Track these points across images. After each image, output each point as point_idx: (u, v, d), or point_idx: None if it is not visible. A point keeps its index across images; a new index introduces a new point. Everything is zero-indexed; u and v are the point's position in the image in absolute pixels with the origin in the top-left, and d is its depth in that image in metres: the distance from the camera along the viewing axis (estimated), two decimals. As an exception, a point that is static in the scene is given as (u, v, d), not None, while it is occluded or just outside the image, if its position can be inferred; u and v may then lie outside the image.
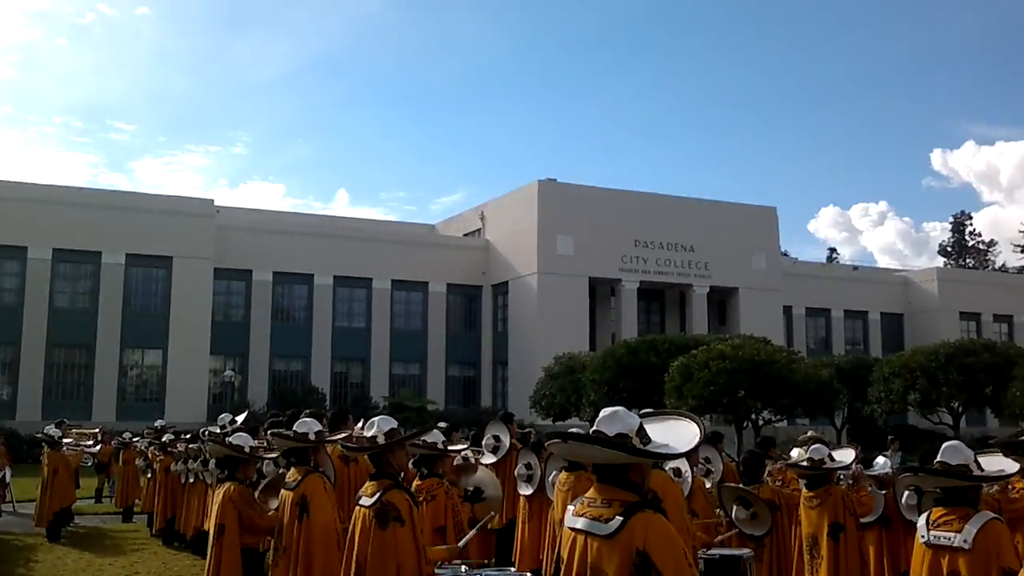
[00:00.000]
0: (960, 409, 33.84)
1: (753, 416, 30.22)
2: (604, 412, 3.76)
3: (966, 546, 4.71)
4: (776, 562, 8.09)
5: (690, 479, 8.49)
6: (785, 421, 33.71)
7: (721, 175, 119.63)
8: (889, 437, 19.65)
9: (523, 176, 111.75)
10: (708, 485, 9.21)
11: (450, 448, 9.58)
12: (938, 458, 5.15)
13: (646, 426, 3.75)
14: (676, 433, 3.87)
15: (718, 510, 8.53)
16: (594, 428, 3.72)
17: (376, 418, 5.68)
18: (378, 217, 70.75)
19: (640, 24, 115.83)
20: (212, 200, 44.30)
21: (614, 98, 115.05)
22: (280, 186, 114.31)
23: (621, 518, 3.45)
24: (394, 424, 5.64)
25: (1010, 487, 7.92)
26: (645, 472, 3.73)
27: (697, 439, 3.78)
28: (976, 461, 5.18)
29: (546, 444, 3.95)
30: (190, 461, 12.91)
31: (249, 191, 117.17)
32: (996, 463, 5.47)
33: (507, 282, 48.75)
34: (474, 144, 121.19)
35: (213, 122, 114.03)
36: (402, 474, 5.75)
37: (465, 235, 53.15)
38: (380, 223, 58.19)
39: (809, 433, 15.32)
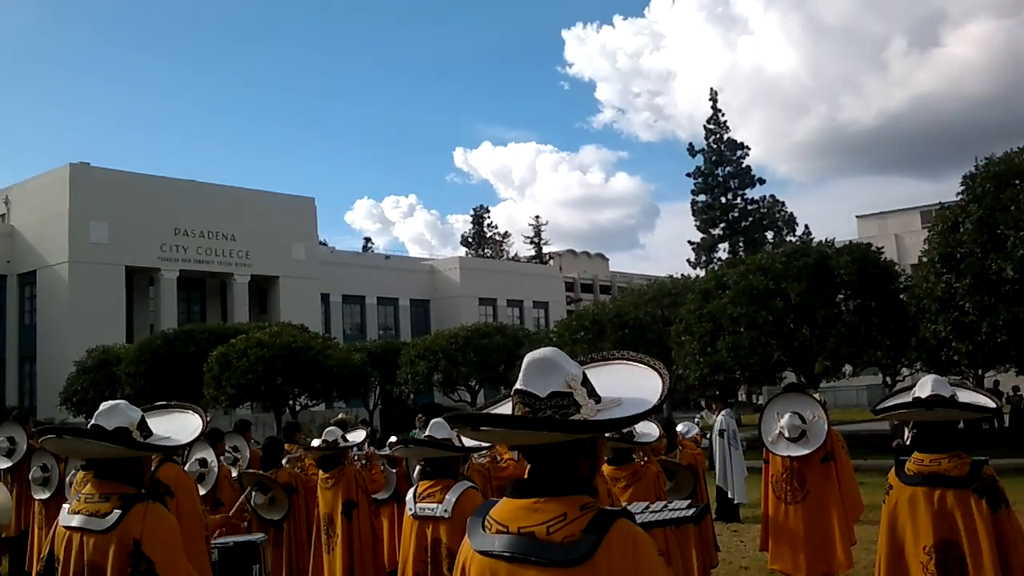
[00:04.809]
0: (477, 386, 37.15)
1: (291, 402, 30.91)
2: (104, 406, 3.71)
3: (447, 515, 4.84)
4: (294, 544, 8.45)
5: (216, 468, 8.63)
6: (323, 405, 34.79)
7: (262, 165, 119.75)
8: (418, 416, 20.96)
9: (52, 160, 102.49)
10: (235, 473, 9.36)
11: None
12: (426, 432, 5.46)
13: (150, 419, 3.84)
14: (179, 425, 4.03)
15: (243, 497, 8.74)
16: (92, 422, 3.64)
17: None
18: None
19: (171, 10, 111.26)
20: None
21: (150, 83, 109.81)
22: None
23: (119, 511, 3.42)
24: None
25: (499, 458, 8.97)
26: (146, 464, 3.79)
27: (199, 431, 3.98)
28: (458, 436, 5.34)
29: (40, 440, 3.89)
30: None
31: None
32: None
33: (35, 271, 44.93)
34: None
35: None
36: None
37: (-13, 221, 48.06)
38: None
39: (340, 415, 16.01)
